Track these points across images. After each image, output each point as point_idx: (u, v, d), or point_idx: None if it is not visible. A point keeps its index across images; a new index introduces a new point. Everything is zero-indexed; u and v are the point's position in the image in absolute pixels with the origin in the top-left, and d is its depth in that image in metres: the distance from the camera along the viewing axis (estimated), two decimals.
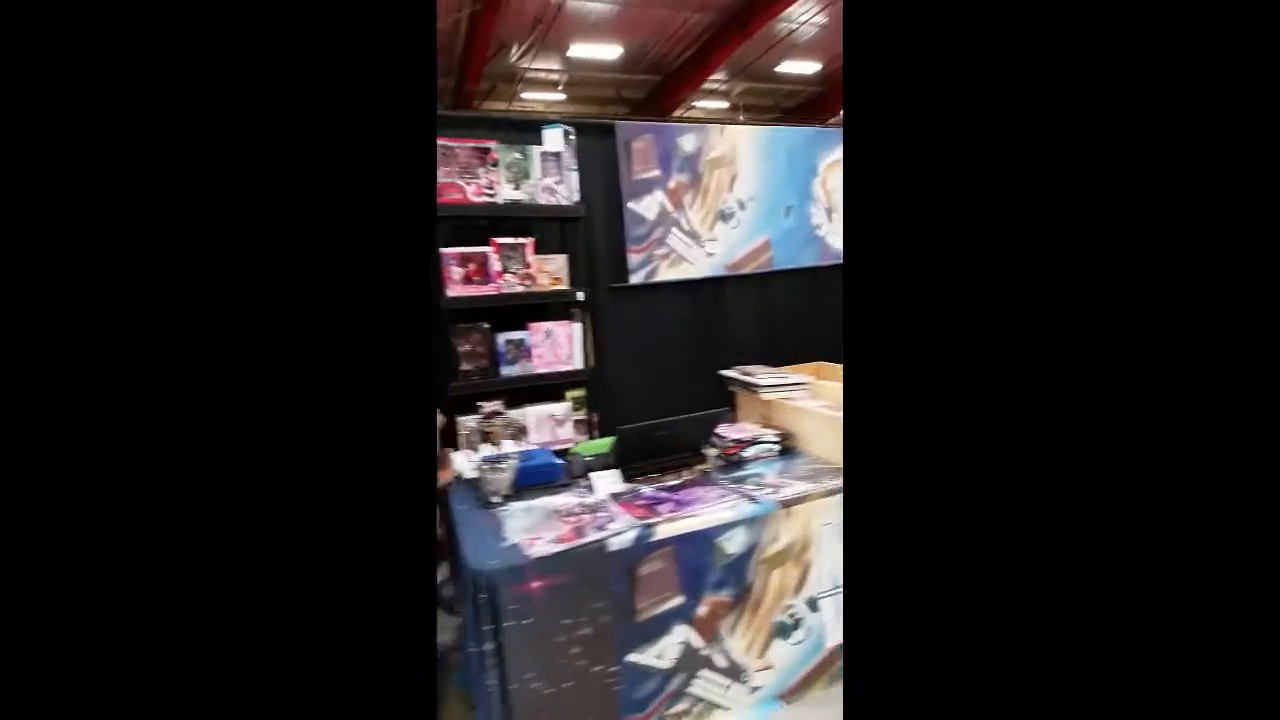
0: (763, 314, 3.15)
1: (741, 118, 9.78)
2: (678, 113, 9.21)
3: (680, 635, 1.47)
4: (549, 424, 2.42)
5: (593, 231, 2.68)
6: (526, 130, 2.43)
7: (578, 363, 2.36)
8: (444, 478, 1.73)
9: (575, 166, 2.35)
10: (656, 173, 2.79)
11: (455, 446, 2.00)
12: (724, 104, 9.87)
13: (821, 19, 7.59)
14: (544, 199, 2.25)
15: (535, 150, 2.24)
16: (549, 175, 2.27)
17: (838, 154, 3.20)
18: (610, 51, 7.72)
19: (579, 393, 2.42)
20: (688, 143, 2.84)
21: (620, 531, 1.42)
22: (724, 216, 2.97)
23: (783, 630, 1.58)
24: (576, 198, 2.34)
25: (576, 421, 2.44)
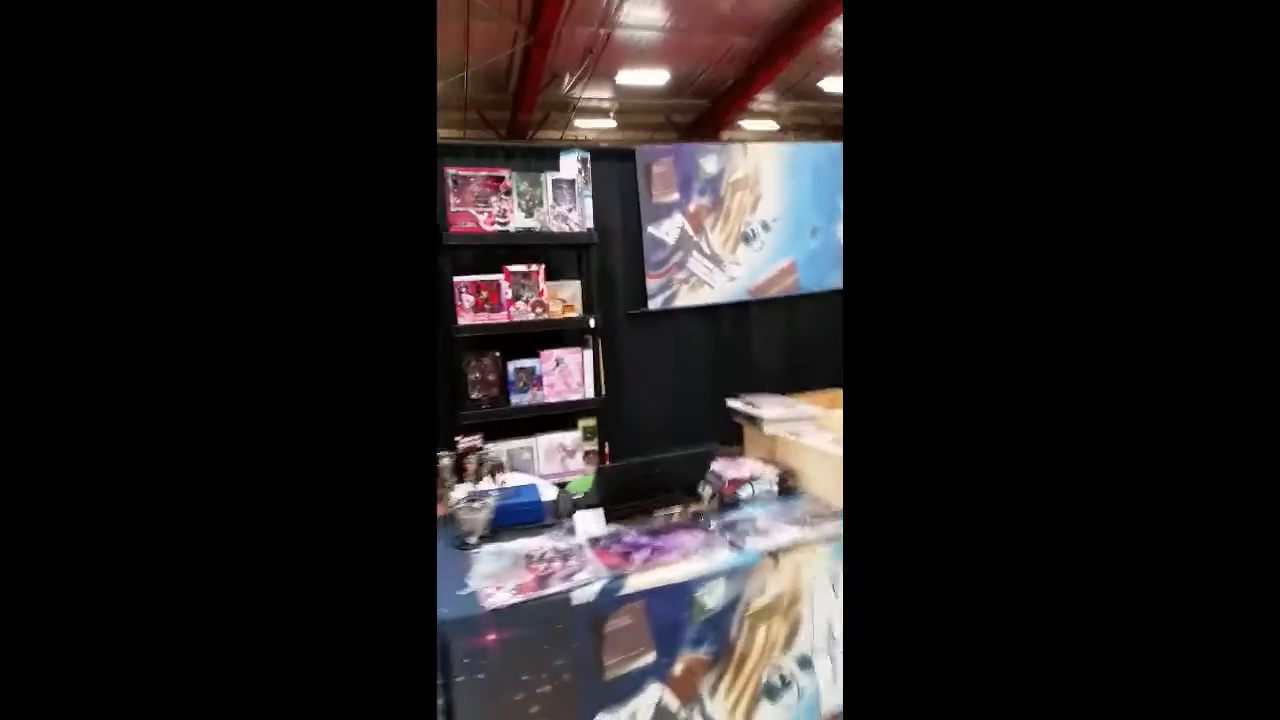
0: (788, 339, 3.03)
1: (791, 136, 9.63)
2: (726, 134, 9.16)
3: (653, 695, 1.35)
4: (559, 454, 2.36)
5: (611, 257, 2.64)
6: (548, 158, 2.42)
7: (589, 391, 2.30)
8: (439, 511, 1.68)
9: (589, 193, 2.33)
10: (676, 196, 2.73)
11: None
12: (773, 124, 9.76)
13: None
14: (555, 226, 2.24)
15: (548, 177, 2.22)
16: (561, 202, 2.25)
17: None
18: (658, 77, 7.78)
19: (590, 422, 2.36)
20: (710, 164, 2.77)
21: (586, 583, 1.33)
22: (746, 239, 2.87)
23: (771, 691, 1.45)
24: (589, 224, 2.32)
25: (587, 452, 2.38)
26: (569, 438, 2.35)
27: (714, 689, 1.40)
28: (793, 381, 2.60)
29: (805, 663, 1.48)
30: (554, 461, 2.35)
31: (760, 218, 2.88)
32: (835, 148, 3.31)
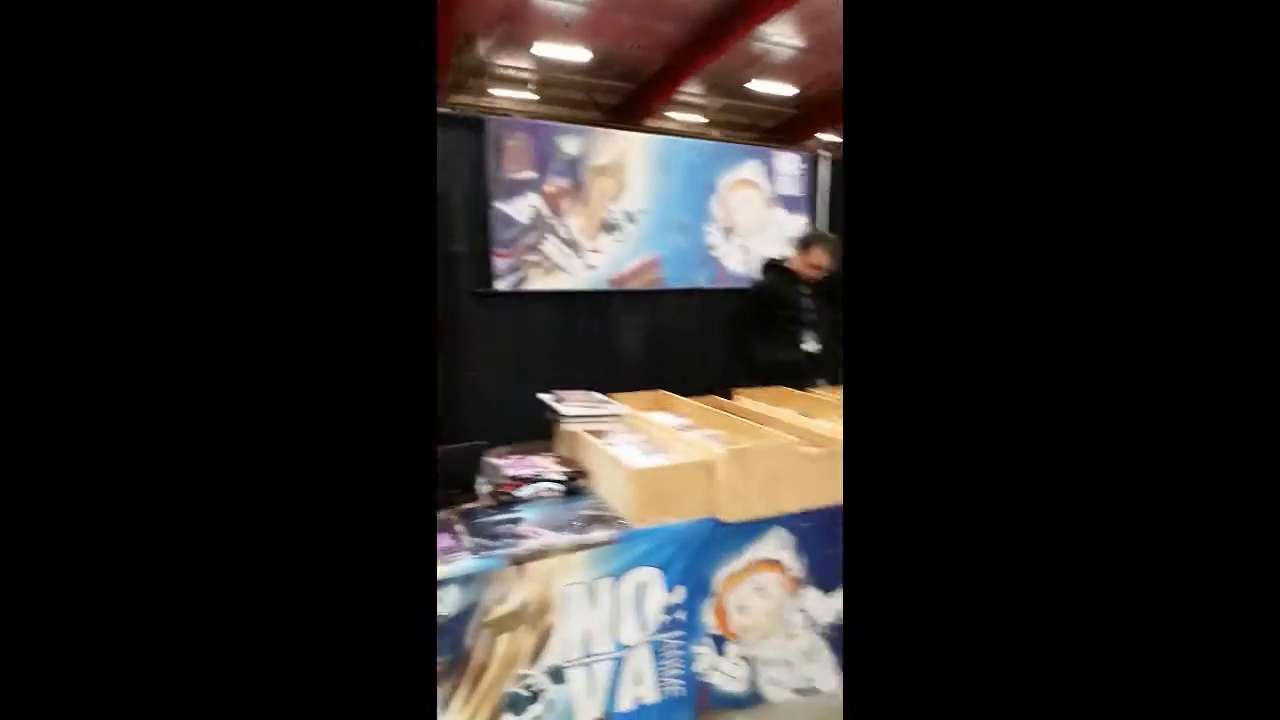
0: (651, 335, 2.96)
1: (716, 134, 9.65)
2: (652, 122, 9.07)
3: None
4: None
5: (455, 232, 2.48)
6: None
7: None
8: None
9: None
10: (532, 174, 2.60)
11: None
12: (701, 118, 9.74)
13: (798, 42, 7.48)
14: None
15: None
16: None
17: (741, 173, 3.03)
18: (578, 54, 7.56)
19: None
20: (569, 145, 2.65)
21: None
22: (609, 228, 2.78)
23: (515, 704, 1.37)
24: None
25: None
26: None
27: (447, 701, 1.31)
28: (655, 379, 2.53)
29: (557, 675, 1.41)
30: None
31: (625, 208, 2.80)
32: (711, 146, 3.27)
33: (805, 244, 2.59)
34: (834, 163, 3.35)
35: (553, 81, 8.53)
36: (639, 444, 1.76)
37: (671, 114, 9.48)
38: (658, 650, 1.55)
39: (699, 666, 1.62)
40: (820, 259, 2.52)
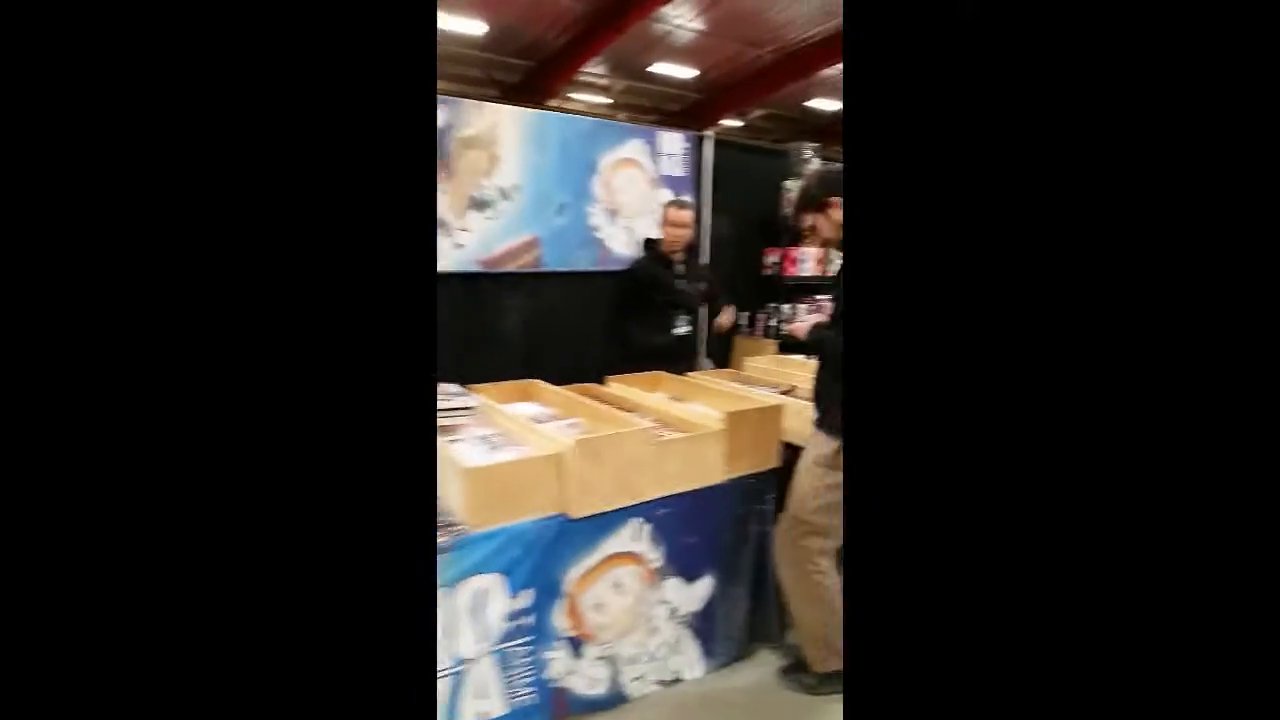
0: (529, 320, 2.82)
1: (622, 115, 9.52)
2: (554, 103, 8.82)
3: None
4: None
5: None
6: None
7: None
8: None
9: None
10: None
11: None
12: (605, 99, 9.58)
13: (699, 24, 7.44)
14: None
15: None
16: None
17: (622, 151, 2.92)
18: (473, 26, 7.22)
19: None
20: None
21: None
22: (479, 204, 2.61)
23: None
24: None
25: None
26: None
27: None
28: (530, 367, 2.39)
29: None
30: None
31: (498, 183, 2.64)
32: (587, 123, 3.14)
33: (665, 208, 2.58)
34: (717, 142, 3.31)
35: (448, 56, 8.11)
36: (487, 439, 1.63)
37: (575, 95, 9.27)
38: (504, 660, 1.43)
39: (553, 672, 1.52)
40: (679, 218, 2.50)
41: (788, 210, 3.39)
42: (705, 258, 3.34)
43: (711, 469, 1.68)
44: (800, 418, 1.83)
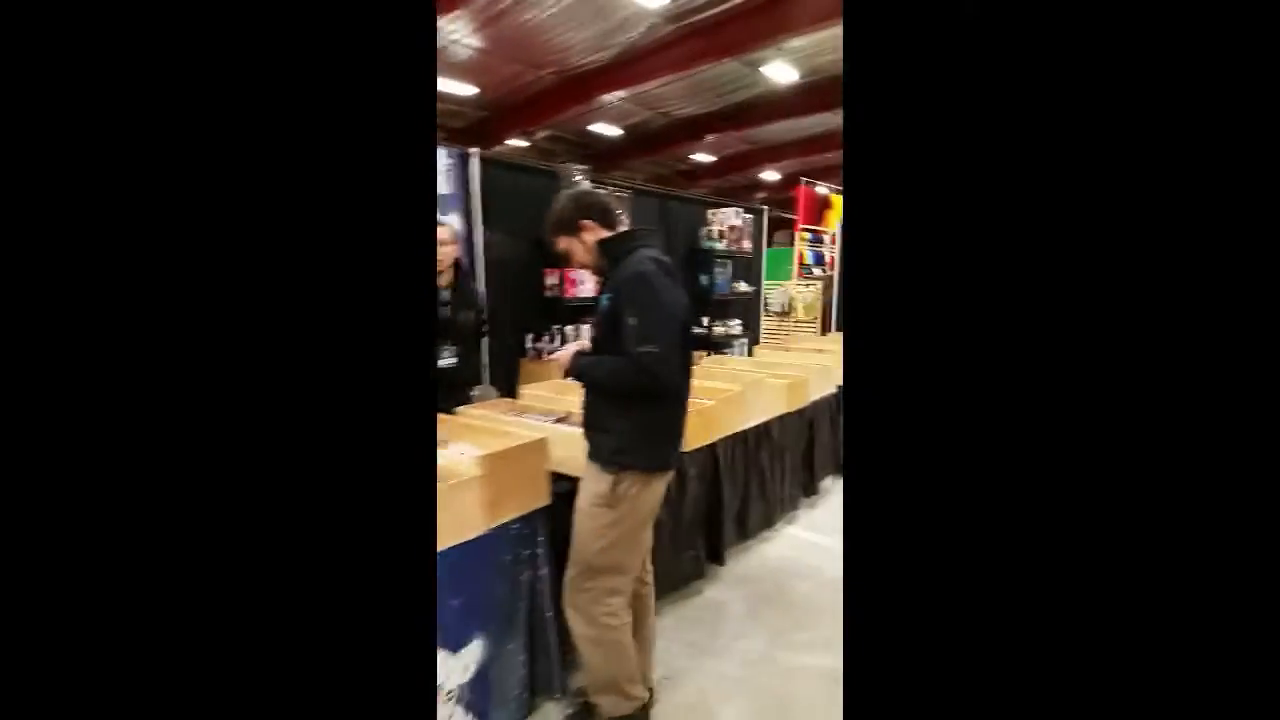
0: None
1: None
2: None
3: None
4: None
5: None
6: None
7: None
8: None
9: None
10: None
11: None
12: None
13: (475, 41, 7.25)
14: None
15: None
16: None
17: None
18: None
19: None
20: None
21: None
22: None
23: None
24: None
25: None
26: None
27: None
28: None
29: None
30: None
31: None
32: None
33: None
34: (486, 160, 3.16)
35: None
36: None
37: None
38: None
39: None
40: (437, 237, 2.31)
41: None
42: (482, 280, 3.16)
43: (469, 521, 1.50)
44: (573, 446, 1.73)
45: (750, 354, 5.04)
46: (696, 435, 2.29)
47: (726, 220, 5.17)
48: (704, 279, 5.12)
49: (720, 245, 5.13)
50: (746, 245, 5.44)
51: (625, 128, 9.95)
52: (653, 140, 10.27)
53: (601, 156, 10.86)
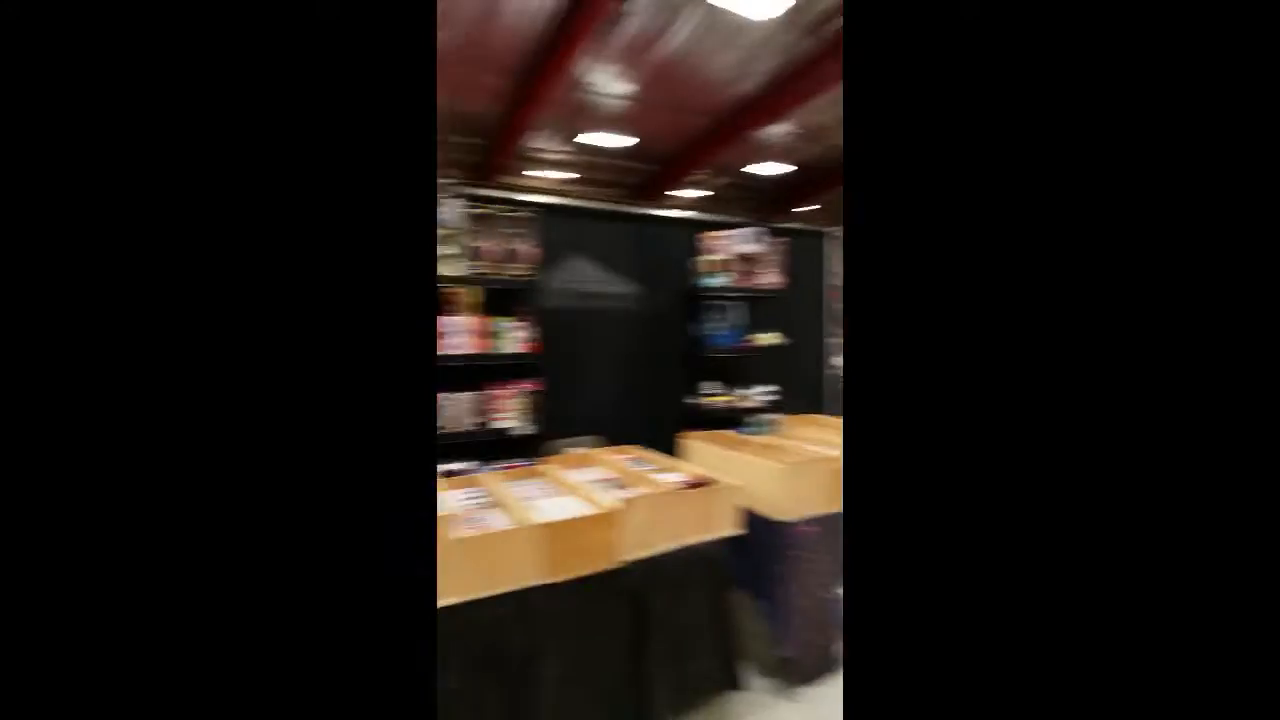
0: None
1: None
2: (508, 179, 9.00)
3: None
4: None
5: None
6: None
7: None
8: None
9: None
10: None
11: None
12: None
13: (623, 88, 7.53)
14: None
15: None
16: None
17: None
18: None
19: None
20: None
21: None
22: None
23: None
24: None
25: None
26: None
27: None
28: None
29: None
30: None
31: None
32: None
33: None
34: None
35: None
36: None
37: (531, 171, 9.47)
38: None
39: None
40: None
41: None
42: None
43: None
44: None
45: (773, 432, 3.67)
46: None
47: (731, 247, 4.00)
48: (694, 327, 3.94)
49: (719, 280, 3.99)
50: (771, 280, 4.19)
51: (795, 162, 9.48)
52: (827, 177, 9.63)
53: (773, 198, 10.45)
